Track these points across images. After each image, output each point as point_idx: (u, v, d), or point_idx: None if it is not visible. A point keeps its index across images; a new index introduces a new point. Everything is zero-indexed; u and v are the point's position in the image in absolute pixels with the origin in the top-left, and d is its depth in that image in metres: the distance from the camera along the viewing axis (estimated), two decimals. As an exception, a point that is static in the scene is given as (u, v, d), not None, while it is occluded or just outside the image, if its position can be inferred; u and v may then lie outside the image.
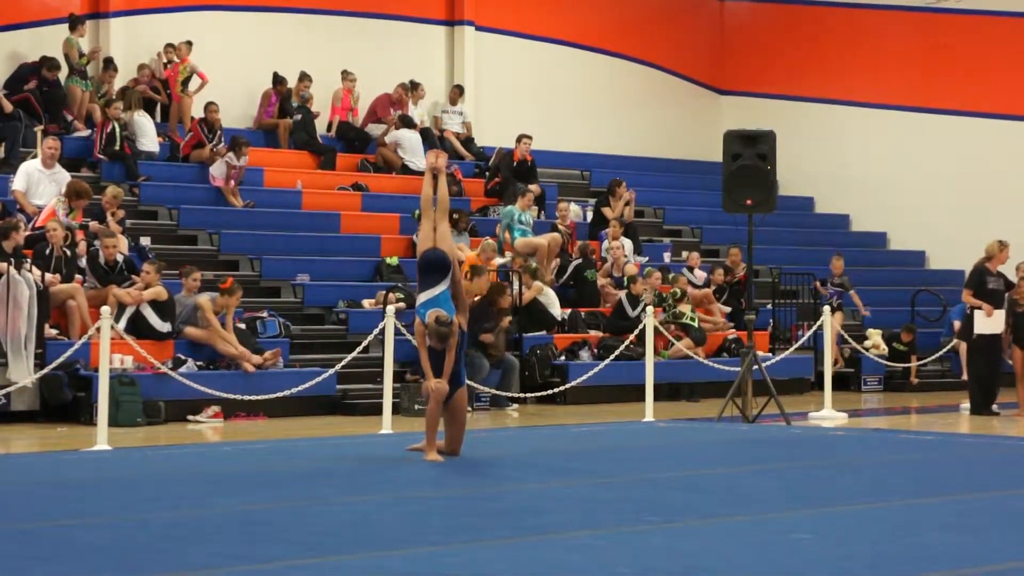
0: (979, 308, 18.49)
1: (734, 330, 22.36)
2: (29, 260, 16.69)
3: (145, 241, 19.82)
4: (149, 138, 21.98)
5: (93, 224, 18.60)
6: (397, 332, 15.57)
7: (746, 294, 18.93)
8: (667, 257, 24.44)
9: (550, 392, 18.89)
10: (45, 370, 15.26)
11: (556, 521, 8.99)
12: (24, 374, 15.70)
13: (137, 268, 18.07)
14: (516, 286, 20.47)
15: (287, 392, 16.13)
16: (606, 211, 24.05)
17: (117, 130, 21.16)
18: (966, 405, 19.05)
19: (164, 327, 17.41)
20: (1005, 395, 20.52)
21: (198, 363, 17.31)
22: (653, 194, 26.84)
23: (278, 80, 23.94)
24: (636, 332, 18.50)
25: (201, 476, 11.38)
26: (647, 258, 23.48)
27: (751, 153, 17.17)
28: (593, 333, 21.06)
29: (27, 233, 17.60)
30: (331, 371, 16.81)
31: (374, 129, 24.77)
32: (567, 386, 18.60)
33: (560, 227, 22.79)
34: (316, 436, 15.20)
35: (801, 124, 28.23)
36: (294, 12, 25.00)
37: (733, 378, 17.31)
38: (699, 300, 22.30)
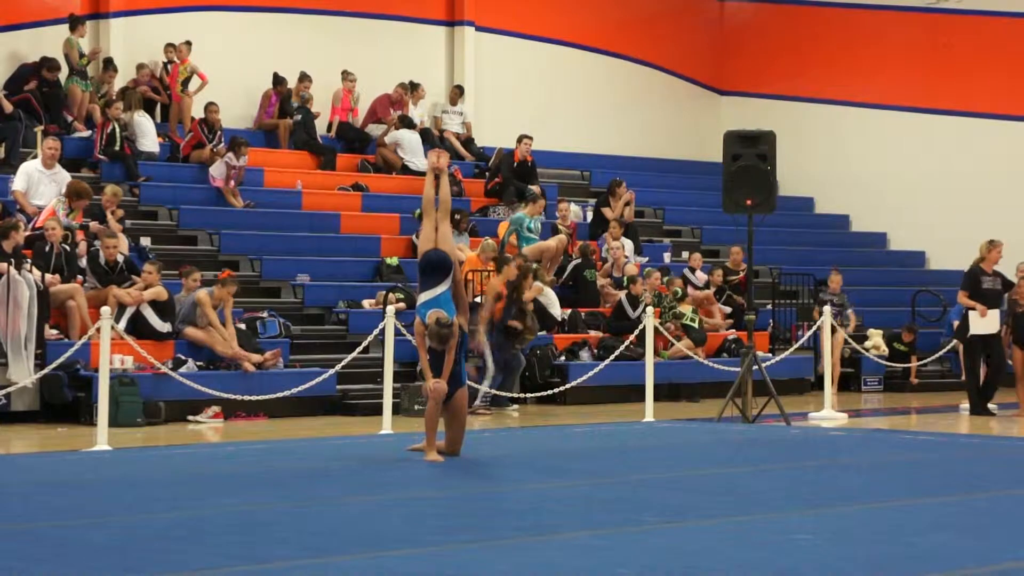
0: (973, 309, 18.52)
1: (734, 330, 22.37)
2: (29, 260, 16.69)
3: (145, 241, 19.83)
4: (149, 138, 21.98)
5: (93, 224, 18.60)
6: (397, 332, 15.57)
7: (746, 294, 18.93)
8: (667, 257, 24.44)
9: (550, 392, 18.88)
10: (45, 370, 15.25)
11: (556, 521, 8.99)
12: (24, 374, 15.70)
13: (137, 268, 18.06)
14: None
15: (287, 392, 16.12)
16: (606, 211, 24.05)
17: (117, 130, 21.16)
18: (966, 405, 19.05)
19: (164, 327, 17.41)
20: (1005, 395, 20.52)
21: (198, 363, 17.31)
22: (653, 194, 26.84)
23: (278, 80, 23.94)
24: (636, 332, 18.50)
25: (201, 476, 11.38)
26: (647, 258, 23.48)
27: (751, 153, 17.16)
28: (593, 333, 21.06)
29: (27, 233, 17.60)
30: (331, 371, 16.81)
31: (374, 129, 24.77)
32: (567, 386, 18.60)
33: (560, 227, 22.78)
34: (316, 436, 15.20)
35: (801, 124, 28.23)
36: (294, 12, 25.00)
37: (733, 378, 17.31)
38: (700, 302, 22.30)
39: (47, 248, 17.19)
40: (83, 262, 17.80)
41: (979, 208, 26.09)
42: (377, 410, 16.08)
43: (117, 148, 21.13)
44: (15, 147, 20.46)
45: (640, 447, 14.14)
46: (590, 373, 18.71)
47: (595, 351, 20.36)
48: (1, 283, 16.12)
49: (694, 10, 30.34)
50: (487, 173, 24.77)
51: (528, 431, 16.46)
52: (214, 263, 20.09)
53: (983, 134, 27.06)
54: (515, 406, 18.99)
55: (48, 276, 16.75)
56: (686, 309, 21.56)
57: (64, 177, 19.03)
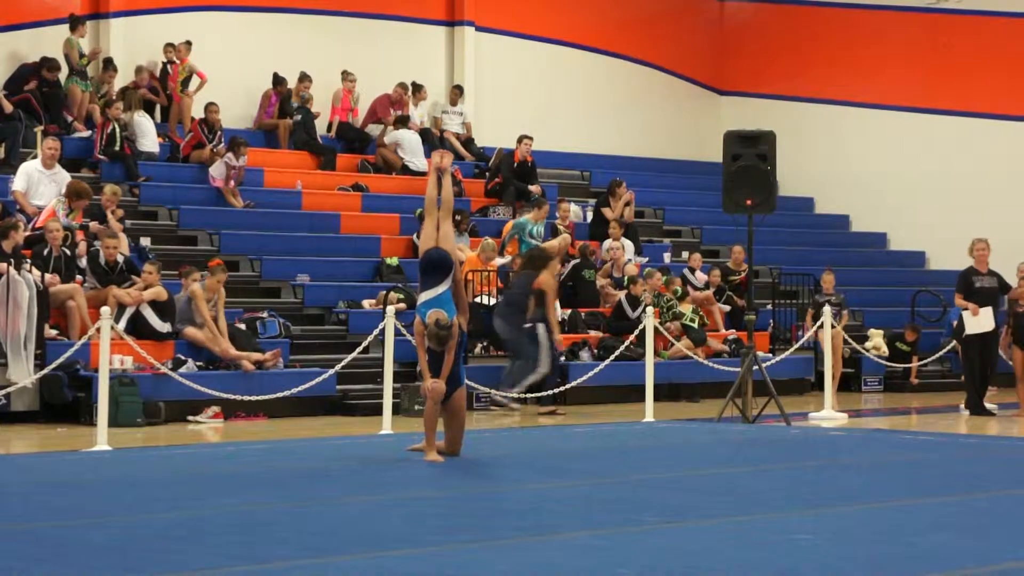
0: (966, 309, 18.57)
1: (733, 331, 22.37)
2: (29, 260, 16.69)
3: (145, 241, 19.82)
4: (149, 139, 21.98)
5: (94, 224, 18.60)
6: (397, 332, 15.57)
7: (747, 294, 18.93)
8: (667, 257, 24.43)
9: (550, 392, 18.87)
10: (45, 370, 15.25)
11: (556, 521, 8.99)
12: (24, 374, 15.70)
13: (137, 268, 18.06)
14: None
15: (287, 392, 16.12)
16: (606, 211, 24.04)
17: (117, 131, 21.16)
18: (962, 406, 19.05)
19: (164, 327, 17.41)
20: (1006, 395, 20.54)
21: (198, 363, 17.31)
22: (653, 194, 26.84)
23: (278, 80, 23.94)
24: (636, 332, 18.49)
25: (201, 476, 11.38)
26: (647, 259, 23.48)
27: (751, 153, 17.16)
28: (593, 333, 21.05)
29: (27, 234, 17.60)
30: (331, 371, 16.81)
31: (374, 129, 24.78)
32: (567, 386, 18.59)
33: (560, 227, 22.78)
34: (316, 436, 15.20)
35: (801, 124, 28.23)
36: (294, 12, 25.00)
37: (733, 378, 17.31)
38: (700, 302, 22.29)
39: (47, 251, 17.18)
40: (83, 262, 17.79)
41: (979, 208, 26.07)
42: (377, 410, 16.09)
43: (117, 148, 21.13)
44: (15, 147, 20.46)
45: (640, 447, 14.14)
46: (590, 373, 18.70)
47: (595, 351, 20.36)
48: (1, 283, 16.12)
49: (694, 10, 30.34)
50: (487, 173, 24.77)
51: (528, 431, 16.46)
52: (214, 263, 20.10)
53: (983, 134, 27.06)
54: (517, 406, 18.95)
55: (48, 276, 16.75)
56: (686, 309, 21.56)
57: (64, 177, 19.02)
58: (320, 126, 24.31)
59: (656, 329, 17.99)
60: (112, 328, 14.15)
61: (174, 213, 21.01)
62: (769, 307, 23.33)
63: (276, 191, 22.56)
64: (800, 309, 22.75)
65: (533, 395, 19.10)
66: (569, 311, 21.19)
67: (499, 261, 21.20)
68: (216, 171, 21.61)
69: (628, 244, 23.37)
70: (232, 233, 20.85)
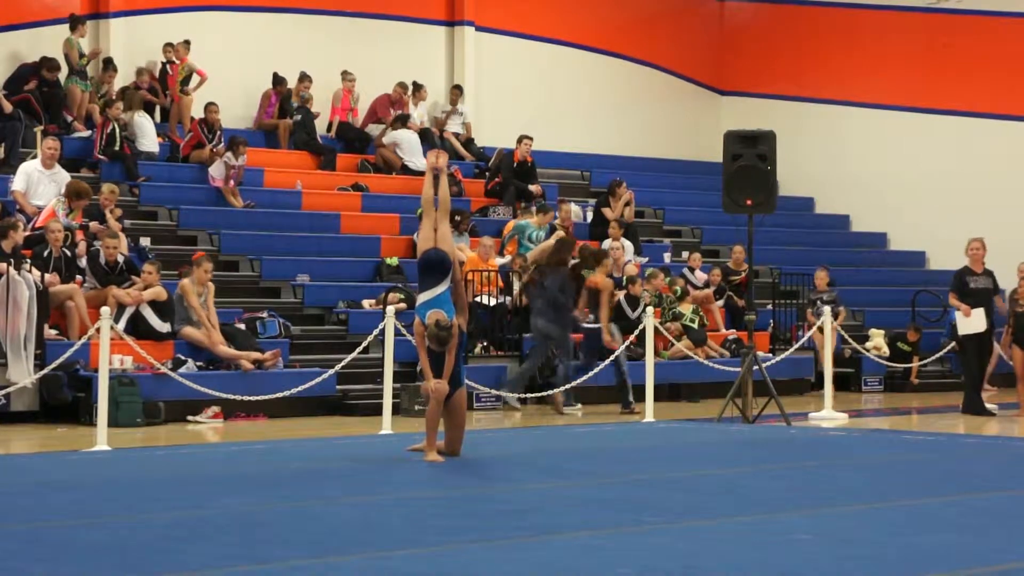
0: (959, 311, 18.61)
1: (733, 331, 22.37)
2: (29, 260, 16.69)
3: (145, 241, 19.82)
4: (149, 138, 21.98)
5: (94, 224, 18.60)
6: (397, 332, 15.57)
7: (747, 294, 18.93)
8: (667, 257, 24.43)
9: (550, 392, 18.88)
10: (45, 370, 15.25)
11: (556, 521, 8.99)
12: (24, 374, 15.70)
13: (137, 268, 18.06)
14: (516, 287, 20.48)
15: (287, 392, 16.12)
16: (606, 211, 24.04)
17: (117, 130, 21.16)
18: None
19: (164, 327, 17.42)
20: (1006, 395, 20.55)
21: (198, 363, 17.31)
22: (653, 194, 26.84)
23: (278, 80, 23.94)
24: (636, 332, 18.49)
25: (201, 476, 11.38)
26: (647, 258, 23.48)
27: (751, 153, 17.16)
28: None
29: (27, 233, 17.61)
30: (331, 371, 16.81)
31: (374, 129, 24.78)
32: (567, 386, 18.58)
33: (559, 227, 22.78)
34: (316, 436, 15.20)
35: (801, 124, 28.23)
36: (294, 12, 25.00)
37: (733, 378, 17.31)
38: (700, 301, 22.29)
39: (47, 251, 17.18)
40: (83, 262, 17.79)
41: (979, 208, 26.07)
42: (377, 410, 16.09)
43: (117, 148, 21.13)
44: (15, 147, 20.46)
45: (640, 447, 14.14)
46: (590, 373, 18.70)
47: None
48: (1, 283, 16.12)
49: (694, 10, 30.34)
50: (487, 173, 24.77)
51: (528, 431, 16.46)
52: (214, 263, 20.07)
53: (983, 134, 27.05)
54: (579, 405, 19.04)
55: (47, 276, 16.75)
56: (686, 309, 21.55)
57: (64, 177, 19.03)
58: (320, 126, 24.32)
59: (656, 329, 17.98)
60: (112, 328, 14.15)
61: (174, 213, 21.01)
62: (769, 307, 23.32)
63: (276, 191, 22.56)
64: (800, 309, 22.76)
65: (533, 395, 19.11)
66: (569, 311, 21.19)
67: (499, 261, 21.21)
68: (216, 171, 21.61)
69: (628, 244, 23.36)
70: (232, 233, 20.85)
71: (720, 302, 22.93)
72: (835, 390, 18.78)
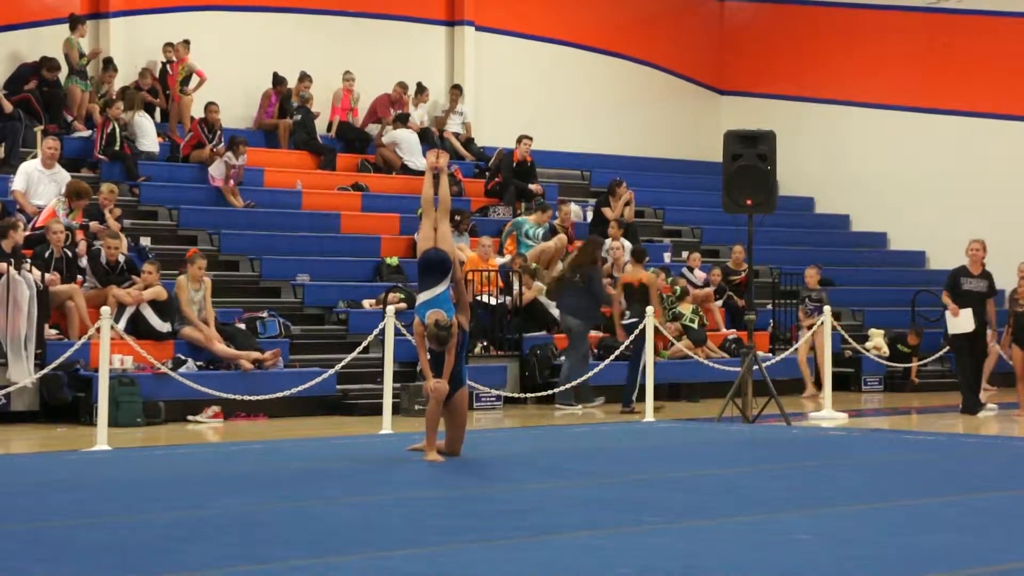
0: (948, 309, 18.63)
1: (733, 330, 22.37)
2: (29, 260, 16.69)
3: (145, 241, 19.81)
4: (149, 138, 21.98)
5: (94, 224, 18.60)
6: (397, 332, 15.57)
7: (747, 294, 18.93)
8: (667, 257, 24.42)
9: (550, 392, 18.88)
10: (45, 370, 15.26)
11: (556, 521, 8.99)
12: (24, 374, 15.70)
13: (138, 268, 18.06)
14: (516, 287, 20.49)
15: (287, 392, 16.12)
16: (606, 211, 24.03)
17: (117, 130, 21.16)
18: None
19: (164, 327, 17.42)
20: (1006, 395, 20.55)
21: (198, 363, 17.31)
22: (653, 194, 26.83)
23: (278, 80, 23.94)
24: (636, 332, 18.48)
25: (201, 476, 11.39)
26: (647, 258, 23.44)
27: (751, 153, 17.16)
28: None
29: (27, 233, 17.61)
30: (331, 371, 16.81)
31: (374, 129, 24.78)
32: (567, 386, 18.58)
33: (558, 228, 22.79)
34: (316, 436, 15.20)
35: (801, 124, 28.22)
36: (294, 12, 25.00)
37: (733, 378, 17.31)
38: (700, 301, 22.29)
39: (47, 252, 17.18)
40: (83, 262, 17.79)
41: (979, 208, 26.08)
42: (377, 410, 16.09)
43: (117, 148, 21.13)
44: (15, 147, 20.46)
45: (640, 447, 14.14)
46: (590, 373, 18.70)
47: (595, 351, 20.35)
48: (1, 283, 16.12)
49: (694, 10, 30.34)
50: (487, 173, 24.77)
51: (528, 431, 16.46)
52: (214, 263, 20.09)
53: (983, 134, 27.05)
54: (579, 405, 19.14)
55: (48, 275, 16.74)
56: (686, 309, 21.55)
57: (64, 177, 19.03)
58: (320, 126, 24.32)
59: (656, 329, 17.98)
60: (112, 328, 14.15)
61: (174, 213, 21.01)
62: (769, 307, 23.32)
63: (276, 191, 22.56)
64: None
65: (533, 395, 19.10)
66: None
67: (499, 260, 21.22)
68: (216, 171, 21.61)
69: (628, 244, 23.34)
70: (232, 233, 20.85)
71: (720, 302, 22.94)
72: (834, 390, 18.75)
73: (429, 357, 11.94)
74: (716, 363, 19.94)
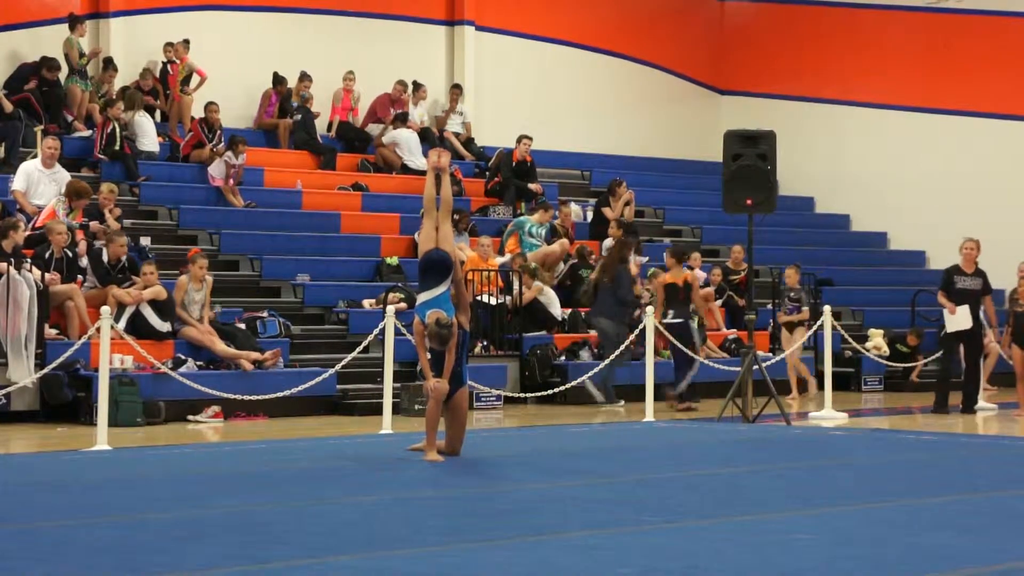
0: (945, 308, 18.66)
1: (734, 330, 22.36)
2: (29, 260, 16.69)
3: (145, 241, 19.81)
4: (149, 138, 21.98)
5: (94, 224, 18.61)
6: (397, 332, 15.57)
7: (747, 294, 18.93)
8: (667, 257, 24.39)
9: (550, 392, 18.88)
10: (45, 370, 15.25)
11: (556, 521, 8.99)
12: (24, 374, 15.70)
13: (138, 268, 18.05)
14: (516, 286, 20.49)
15: (287, 392, 16.12)
16: (606, 211, 24.05)
17: (117, 130, 21.16)
18: (962, 404, 19.05)
19: (164, 327, 17.42)
20: (1006, 395, 20.54)
21: (198, 363, 17.31)
22: (653, 194, 26.84)
23: (278, 80, 23.94)
24: (636, 332, 18.48)
25: (201, 476, 11.38)
26: (647, 258, 23.47)
27: (751, 153, 17.16)
28: (593, 333, 21.03)
29: (27, 233, 17.60)
30: (331, 371, 16.80)
31: (374, 129, 24.79)
32: (567, 386, 18.59)
33: (559, 228, 22.79)
34: (316, 436, 15.19)
35: (801, 124, 28.23)
36: (294, 12, 25.01)
37: (733, 378, 17.31)
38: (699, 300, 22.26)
39: (48, 252, 17.17)
40: (83, 262, 17.79)
41: (979, 208, 26.07)
42: (377, 410, 16.09)
43: (117, 148, 21.13)
44: (15, 147, 20.47)
45: (640, 447, 14.14)
46: (590, 373, 18.70)
47: (595, 351, 20.36)
48: (1, 283, 16.12)
49: (694, 10, 30.35)
50: (487, 173, 24.78)
51: (528, 431, 16.46)
52: (214, 263, 20.08)
53: (983, 134, 27.05)
54: (622, 402, 19.28)
55: (48, 275, 16.74)
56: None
57: (64, 177, 19.03)
58: (320, 126, 24.32)
59: (656, 329, 17.98)
60: (112, 328, 14.15)
61: (174, 213, 21.01)
62: (769, 307, 23.32)
63: (276, 191, 22.57)
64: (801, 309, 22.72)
65: (533, 395, 19.10)
66: (570, 311, 21.20)
67: (499, 260, 21.22)
68: (215, 170, 21.62)
69: (628, 244, 23.35)
70: (232, 233, 20.86)
71: (720, 302, 22.93)
72: (834, 390, 18.73)
73: (429, 357, 11.94)
74: (716, 363, 19.94)
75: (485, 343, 19.83)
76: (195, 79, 23.07)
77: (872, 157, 28.33)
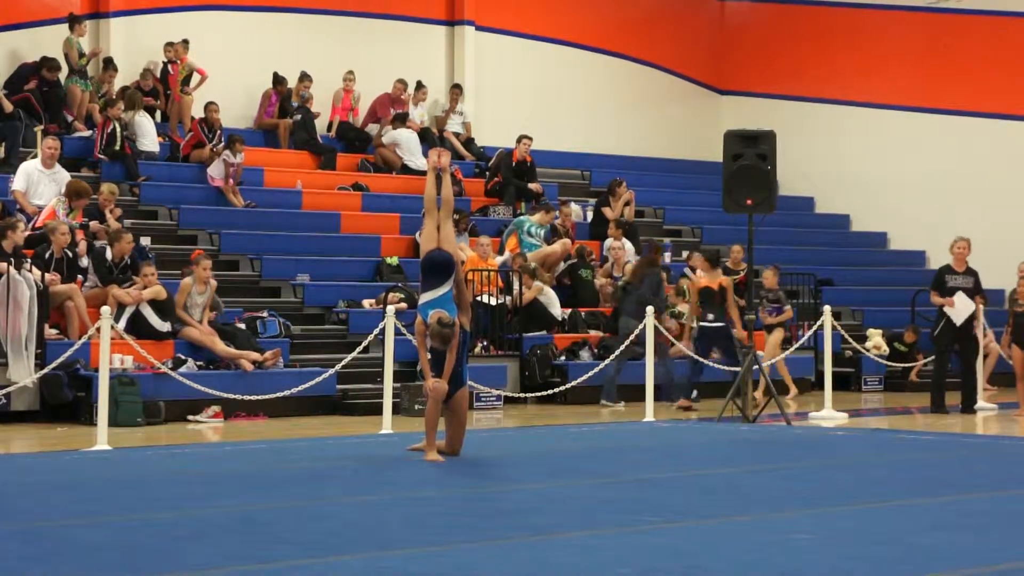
0: (943, 307, 18.63)
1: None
2: (29, 260, 16.69)
3: (145, 241, 19.81)
4: (149, 138, 21.98)
5: (94, 224, 18.61)
6: (397, 332, 15.57)
7: (747, 294, 18.94)
8: (667, 257, 24.41)
9: (550, 392, 18.88)
10: (45, 370, 15.26)
11: (556, 521, 8.99)
12: (24, 374, 15.70)
13: (139, 267, 18.05)
14: (516, 286, 20.49)
15: (287, 392, 16.13)
16: (606, 211, 24.05)
17: (117, 130, 21.16)
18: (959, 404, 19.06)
19: (164, 327, 17.42)
20: (1006, 395, 20.55)
21: (198, 363, 17.31)
22: (653, 194, 26.84)
23: (278, 80, 23.94)
24: (636, 332, 18.49)
25: (201, 476, 11.38)
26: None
27: (751, 153, 17.16)
28: (593, 333, 21.05)
29: (27, 233, 17.61)
30: (331, 371, 16.80)
31: (374, 129, 24.79)
32: (567, 386, 18.59)
33: (559, 228, 22.79)
34: (316, 436, 15.19)
35: (801, 124, 28.23)
36: (294, 12, 25.01)
37: (733, 378, 17.31)
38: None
39: (48, 252, 17.18)
40: (83, 262, 17.79)
41: (979, 208, 26.08)
42: (377, 410, 16.09)
43: (117, 148, 21.13)
44: (15, 147, 20.46)
45: (640, 447, 14.14)
46: (590, 373, 18.71)
47: (595, 351, 20.36)
48: (1, 283, 16.12)
49: (694, 10, 30.34)
50: (487, 173, 24.78)
51: (528, 431, 16.46)
52: (214, 263, 20.06)
53: (983, 134, 27.05)
54: (621, 403, 19.34)
55: (48, 275, 16.75)
56: (686, 308, 21.51)
57: (64, 177, 19.03)
58: (320, 126, 24.32)
59: (656, 329, 17.98)
60: (112, 328, 14.15)
61: (174, 213, 21.01)
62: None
63: (276, 191, 22.57)
64: (801, 308, 22.74)
65: (533, 395, 19.08)
66: (570, 311, 21.20)
67: (499, 260, 21.22)
68: (215, 170, 21.61)
69: (629, 244, 23.35)
70: (232, 233, 20.86)
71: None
72: (834, 390, 18.72)
73: (430, 356, 11.94)
74: (716, 363, 19.92)
75: (485, 343, 19.83)
76: (195, 78, 23.07)
77: (872, 157, 28.33)
